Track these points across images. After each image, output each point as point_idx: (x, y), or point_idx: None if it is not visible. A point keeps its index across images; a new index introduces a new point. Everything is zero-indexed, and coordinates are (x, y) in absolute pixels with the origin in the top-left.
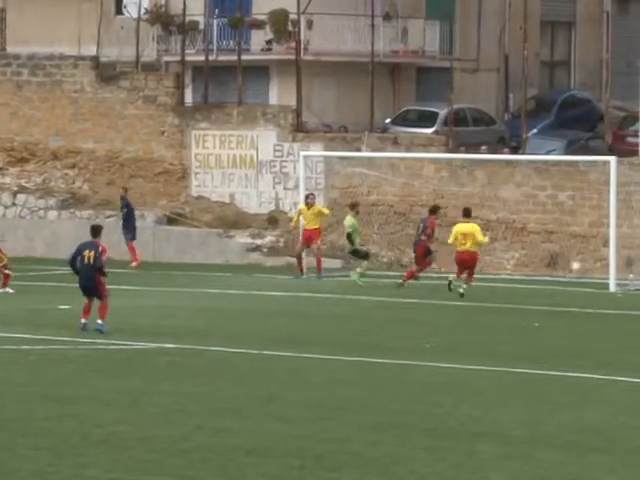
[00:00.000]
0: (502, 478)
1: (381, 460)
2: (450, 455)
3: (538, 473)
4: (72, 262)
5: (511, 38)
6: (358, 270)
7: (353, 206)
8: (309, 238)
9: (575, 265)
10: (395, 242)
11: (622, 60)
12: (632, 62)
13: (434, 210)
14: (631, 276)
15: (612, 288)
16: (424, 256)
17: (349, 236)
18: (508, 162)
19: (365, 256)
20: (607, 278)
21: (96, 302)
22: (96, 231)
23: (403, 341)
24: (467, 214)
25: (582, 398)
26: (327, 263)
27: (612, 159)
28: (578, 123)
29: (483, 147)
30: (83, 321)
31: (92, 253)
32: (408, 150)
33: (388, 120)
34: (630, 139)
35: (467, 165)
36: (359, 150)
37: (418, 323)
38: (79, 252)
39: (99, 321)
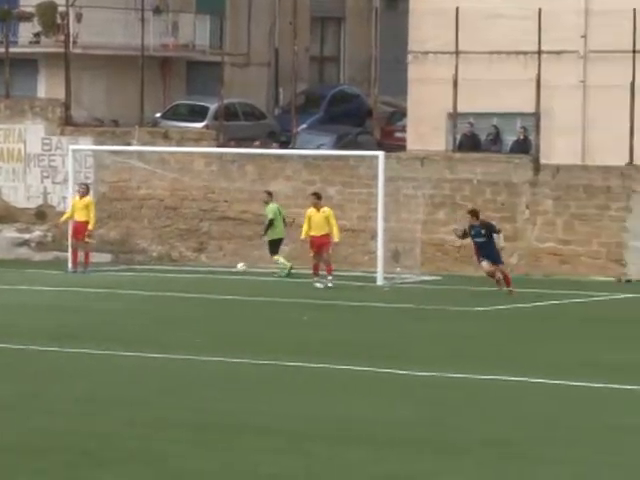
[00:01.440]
0: (271, 471)
1: (149, 456)
2: (218, 449)
3: (307, 466)
4: None
5: (281, 33)
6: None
7: (268, 194)
8: (77, 231)
9: (240, 266)
10: (165, 236)
11: (391, 56)
12: (400, 58)
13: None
14: (398, 269)
15: (379, 281)
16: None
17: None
18: (278, 157)
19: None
20: (375, 272)
21: None
22: None
23: (173, 336)
24: None
25: (351, 391)
26: (96, 257)
27: (380, 154)
28: (347, 118)
29: (256, 142)
30: None
31: None
32: (179, 144)
33: (158, 114)
34: (398, 134)
35: (238, 159)
36: (129, 144)
37: (189, 318)
38: None
39: None
